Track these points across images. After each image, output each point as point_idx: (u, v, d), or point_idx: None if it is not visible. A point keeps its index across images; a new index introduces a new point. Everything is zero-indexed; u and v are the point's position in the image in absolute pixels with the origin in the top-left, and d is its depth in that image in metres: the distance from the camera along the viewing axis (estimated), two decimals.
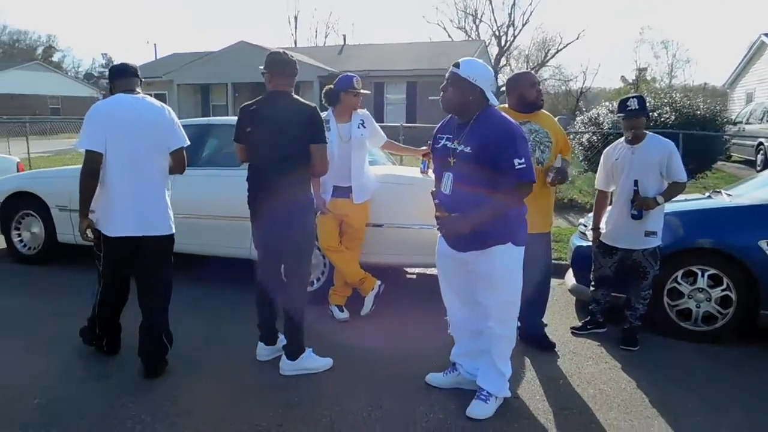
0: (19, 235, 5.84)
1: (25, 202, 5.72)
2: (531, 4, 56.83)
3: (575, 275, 4.51)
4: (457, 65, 2.79)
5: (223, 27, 77.94)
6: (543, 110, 3.70)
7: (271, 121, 3.18)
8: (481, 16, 43.71)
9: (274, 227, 3.26)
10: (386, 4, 71.53)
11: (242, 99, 23.47)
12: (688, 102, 9.46)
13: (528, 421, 2.85)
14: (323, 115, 4.13)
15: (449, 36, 43.67)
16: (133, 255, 3.25)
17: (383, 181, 4.46)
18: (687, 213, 4.06)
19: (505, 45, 41.68)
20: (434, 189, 2.85)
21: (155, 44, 46.81)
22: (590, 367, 3.52)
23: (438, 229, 2.83)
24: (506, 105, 3.64)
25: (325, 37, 49.47)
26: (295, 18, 50.61)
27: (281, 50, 3.31)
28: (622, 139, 3.86)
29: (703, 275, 3.89)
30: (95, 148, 3.10)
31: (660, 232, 3.72)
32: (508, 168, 2.62)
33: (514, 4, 46.90)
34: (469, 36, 42.37)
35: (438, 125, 3.02)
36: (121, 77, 3.32)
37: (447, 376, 3.18)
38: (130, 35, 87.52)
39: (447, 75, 2.82)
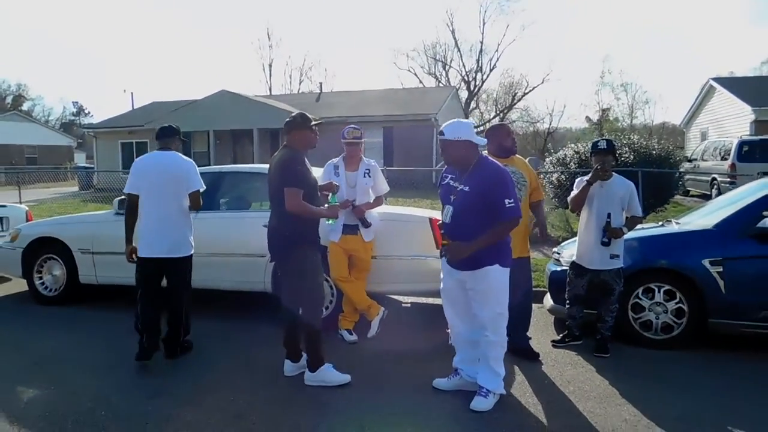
0: (41, 278, 6.29)
1: (47, 246, 6.19)
2: (497, 50, 59.28)
3: (552, 297, 5.18)
4: (442, 133, 3.51)
5: (197, 75, 79.14)
6: (517, 155, 4.44)
7: (269, 169, 3.91)
8: (450, 62, 45.26)
9: (275, 259, 3.97)
10: (358, 51, 73.84)
11: (223, 146, 24.07)
12: (645, 143, 10.43)
13: (521, 411, 3.46)
14: (334, 161, 4.84)
15: (420, 81, 45.24)
16: (161, 271, 4.31)
17: (380, 218, 5.08)
18: (644, 239, 4.80)
19: (474, 89, 43.40)
20: (441, 222, 3.51)
21: (132, 93, 47.37)
22: (570, 371, 4.16)
23: (443, 254, 3.48)
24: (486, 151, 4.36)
25: (300, 83, 50.69)
26: (270, 65, 51.80)
27: (301, 113, 3.99)
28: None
29: (659, 291, 4.61)
30: (133, 191, 4.33)
31: (622, 255, 4.44)
32: (500, 206, 3.33)
33: (481, 50, 48.94)
34: (440, 81, 44.00)
35: (445, 167, 3.72)
36: (162, 137, 4.47)
37: (450, 380, 3.77)
38: (102, 83, 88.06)
39: (439, 143, 3.52)
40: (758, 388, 3.83)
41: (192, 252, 4.42)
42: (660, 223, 5.51)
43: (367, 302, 4.85)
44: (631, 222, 4.47)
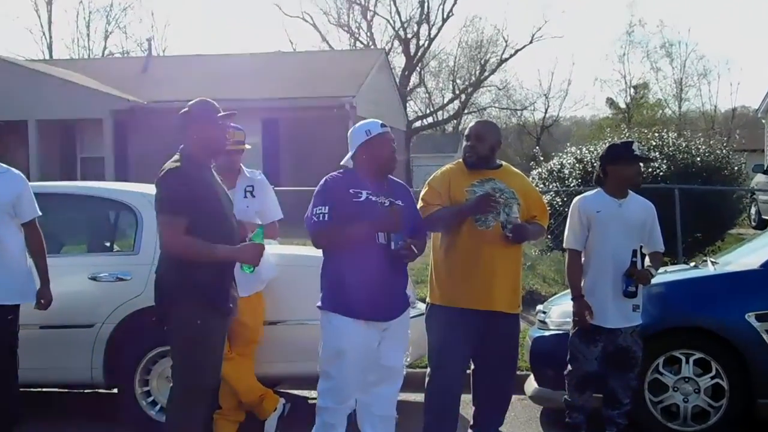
0: None
1: None
2: None
3: (537, 377, 6.23)
4: (368, 132, 4.74)
5: None
6: (507, 164, 5.48)
7: None
8: (375, 6, 46.34)
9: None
10: None
11: None
12: (685, 144, 11.85)
13: None
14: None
15: (324, 39, 46.00)
16: None
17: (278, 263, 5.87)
18: (664, 287, 5.94)
19: (416, 53, 44.71)
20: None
21: None
22: None
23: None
24: (459, 160, 5.39)
25: (105, 38, 50.50)
26: (49, 4, 49.90)
27: (202, 100, 4.70)
28: (595, 191, 5.60)
29: (688, 361, 5.71)
30: None
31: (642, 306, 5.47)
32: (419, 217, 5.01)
33: None
34: (358, 39, 45.18)
35: (334, 180, 4.79)
36: None
37: None
38: None
39: (390, 137, 4.80)
40: None
41: None
42: (692, 263, 6.70)
43: (257, 391, 5.68)
44: (655, 259, 5.52)
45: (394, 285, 4.73)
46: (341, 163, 4.91)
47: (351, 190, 4.69)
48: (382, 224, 4.58)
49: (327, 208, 4.60)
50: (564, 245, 5.73)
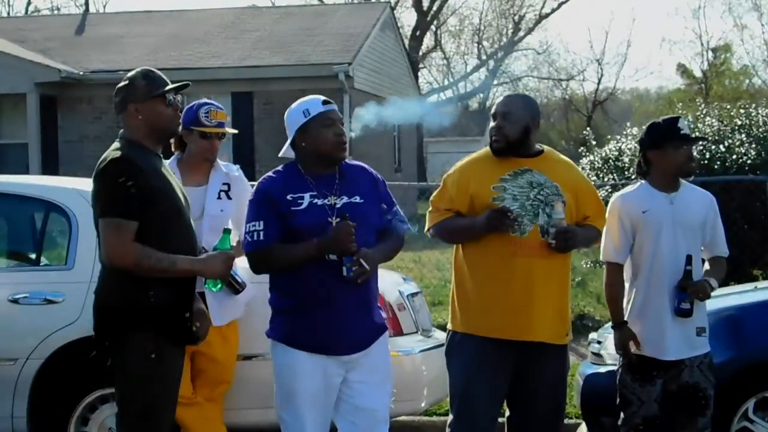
0: None
1: None
2: None
3: (589, 425, 6.24)
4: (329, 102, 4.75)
5: None
6: (550, 150, 5.39)
7: None
8: None
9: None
10: None
11: None
12: None
13: None
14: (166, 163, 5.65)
15: None
16: None
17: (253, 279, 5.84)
18: (752, 308, 5.94)
19: (430, 7, 44.63)
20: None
21: None
22: None
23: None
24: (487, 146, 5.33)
25: None
26: None
27: (145, 70, 4.64)
28: (638, 184, 5.57)
29: None
30: None
31: (708, 329, 5.40)
32: (394, 212, 4.86)
33: None
34: None
35: (268, 183, 4.73)
36: None
37: None
38: None
39: (336, 116, 4.73)
40: None
41: None
42: None
43: None
44: (716, 267, 5.45)
45: (353, 309, 4.64)
46: (279, 154, 4.86)
47: (289, 196, 4.63)
48: (328, 246, 4.48)
49: (261, 223, 4.58)
50: (602, 257, 5.64)
